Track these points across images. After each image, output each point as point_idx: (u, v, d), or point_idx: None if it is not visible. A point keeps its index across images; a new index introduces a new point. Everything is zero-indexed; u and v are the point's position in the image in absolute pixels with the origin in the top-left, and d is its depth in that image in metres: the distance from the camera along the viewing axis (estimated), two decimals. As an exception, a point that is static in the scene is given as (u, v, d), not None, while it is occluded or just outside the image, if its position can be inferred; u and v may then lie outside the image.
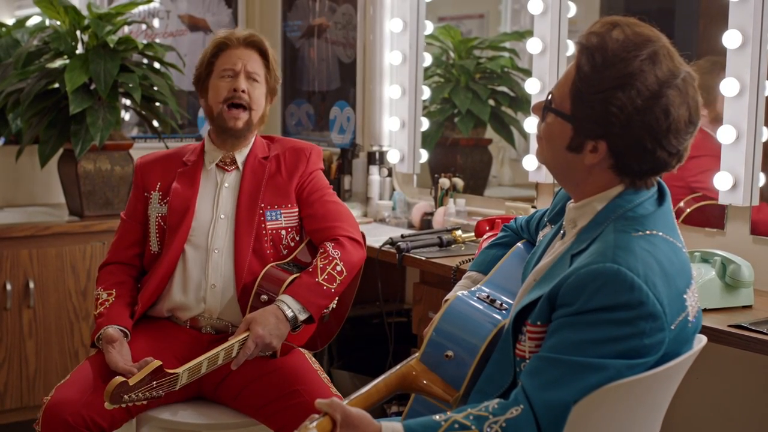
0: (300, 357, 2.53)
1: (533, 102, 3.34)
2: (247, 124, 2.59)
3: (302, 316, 2.46)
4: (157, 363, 2.19)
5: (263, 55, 2.63)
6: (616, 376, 1.55)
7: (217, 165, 2.63)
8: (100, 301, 2.53)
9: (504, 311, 1.90)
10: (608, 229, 1.65)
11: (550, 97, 1.71)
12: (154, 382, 2.19)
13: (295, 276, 2.52)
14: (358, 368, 3.56)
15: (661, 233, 1.65)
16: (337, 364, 3.61)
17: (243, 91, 2.56)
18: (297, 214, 2.64)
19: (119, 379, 2.14)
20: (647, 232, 1.64)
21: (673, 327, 1.60)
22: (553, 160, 1.73)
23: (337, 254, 2.54)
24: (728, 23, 2.63)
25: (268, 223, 2.58)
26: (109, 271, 2.62)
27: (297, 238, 2.65)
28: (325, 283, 2.50)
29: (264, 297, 2.50)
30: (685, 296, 1.64)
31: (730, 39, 2.61)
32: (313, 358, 2.60)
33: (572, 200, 1.78)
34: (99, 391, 2.34)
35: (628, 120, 1.60)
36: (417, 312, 3.06)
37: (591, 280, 1.57)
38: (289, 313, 2.44)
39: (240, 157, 2.63)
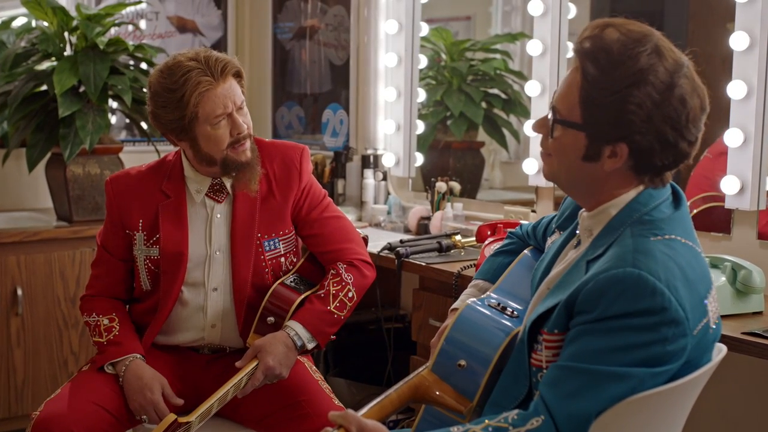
0: (301, 368, 2.47)
1: (532, 104, 3.31)
2: (252, 150, 2.42)
3: (310, 345, 2.39)
4: (172, 417, 2.13)
5: (238, 75, 2.37)
6: (639, 385, 1.52)
7: (206, 195, 2.45)
8: (103, 327, 2.39)
9: (515, 319, 1.86)
10: (625, 234, 1.62)
11: (553, 111, 1.67)
12: None
13: (303, 296, 2.44)
14: (355, 376, 3.51)
15: (680, 238, 1.62)
16: (333, 372, 3.56)
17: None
18: (294, 234, 2.53)
19: None
20: (666, 236, 1.60)
21: (695, 333, 1.57)
22: (568, 174, 1.68)
23: (350, 278, 2.45)
24: (735, 25, 2.60)
25: (266, 254, 2.45)
26: (98, 300, 2.48)
27: (294, 260, 2.55)
28: (336, 311, 2.41)
29: (271, 319, 2.41)
30: (706, 302, 1.61)
31: (737, 41, 2.58)
32: (314, 368, 2.54)
33: (584, 209, 1.74)
34: (89, 406, 2.27)
35: (648, 116, 1.57)
36: (417, 319, 3.01)
37: (611, 285, 1.53)
38: (299, 342, 2.36)
39: (228, 182, 2.43)
